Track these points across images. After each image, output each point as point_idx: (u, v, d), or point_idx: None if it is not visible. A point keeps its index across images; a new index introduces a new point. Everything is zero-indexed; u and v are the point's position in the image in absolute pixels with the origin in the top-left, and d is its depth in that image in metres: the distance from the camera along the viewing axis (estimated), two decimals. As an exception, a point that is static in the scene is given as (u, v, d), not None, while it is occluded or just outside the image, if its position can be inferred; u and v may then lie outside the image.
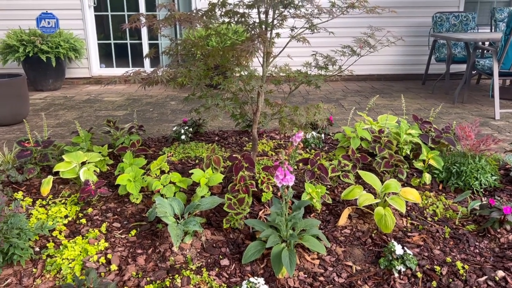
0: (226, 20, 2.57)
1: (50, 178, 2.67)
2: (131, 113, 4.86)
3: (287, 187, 2.03)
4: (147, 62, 6.71)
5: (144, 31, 6.54)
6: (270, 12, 2.67)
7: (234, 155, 2.68)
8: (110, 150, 3.14)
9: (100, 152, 3.04)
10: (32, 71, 5.88)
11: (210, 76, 2.77)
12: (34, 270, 2.00)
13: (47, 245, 2.15)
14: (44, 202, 2.59)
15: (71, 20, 6.29)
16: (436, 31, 6.22)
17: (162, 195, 2.47)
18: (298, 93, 5.99)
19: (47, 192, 2.65)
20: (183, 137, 3.51)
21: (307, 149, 3.41)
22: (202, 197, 2.46)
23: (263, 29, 2.59)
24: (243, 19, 2.50)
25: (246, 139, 3.72)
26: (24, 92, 4.49)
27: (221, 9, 2.60)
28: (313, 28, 2.72)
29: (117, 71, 6.73)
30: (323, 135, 3.59)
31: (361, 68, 6.72)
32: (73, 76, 6.56)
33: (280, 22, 2.67)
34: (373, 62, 6.79)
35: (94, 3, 6.40)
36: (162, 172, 2.86)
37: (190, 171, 2.56)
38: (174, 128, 3.62)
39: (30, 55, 5.69)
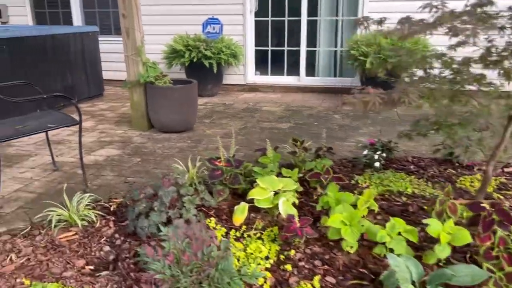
0: None
1: (245, 206, 2.34)
2: (296, 127, 4.48)
3: None
4: (302, 70, 6.34)
5: (303, 37, 6.18)
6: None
7: (478, 203, 2.02)
8: (300, 175, 2.73)
9: (289, 177, 2.64)
10: (194, 76, 5.86)
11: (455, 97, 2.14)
12: (245, 331, 1.63)
13: (257, 298, 1.77)
14: (237, 234, 2.26)
15: (231, 26, 6.20)
16: None
17: (388, 249, 1.94)
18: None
19: (240, 221, 2.32)
20: (376, 164, 2.96)
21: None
22: (438, 260, 1.87)
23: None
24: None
25: (453, 171, 3.01)
26: (195, 99, 4.41)
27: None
28: None
29: (272, 79, 6.49)
30: None
31: None
32: (228, 82, 6.50)
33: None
34: None
35: (256, 8, 6.25)
36: (370, 211, 2.34)
37: (424, 221, 1.98)
38: (365, 152, 3.08)
39: (194, 60, 5.72)
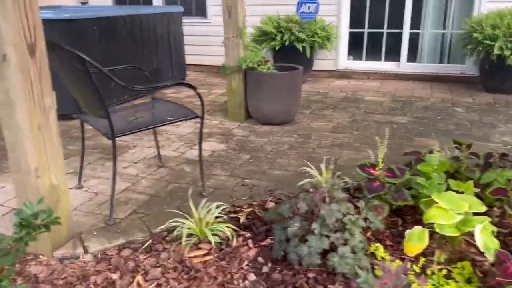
0: None
1: (424, 231, 1.81)
2: (416, 121, 3.85)
3: None
4: (404, 56, 5.62)
5: (407, 18, 5.45)
6: None
7: None
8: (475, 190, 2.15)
9: (461, 192, 2.07)
10: (284, 61, 5.28)
11: None
12: None
13: None
14: (416, 268, 1.74)
15: (324, 6, 5.55)
16: None
17: None
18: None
19: (416, 251, 1.80)
20: None
21: None
22: None
23: None
24: None
25: None
26: (299, 87, 3.90)
27: None
28: None
29: (366, 65, 5.84)
30: None
31: None
32: (316, 68, 5.92)
33: None
34: None
35: (353, -14, 5.60)
36: None
37: None
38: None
39: (286, 43, 5.19)
